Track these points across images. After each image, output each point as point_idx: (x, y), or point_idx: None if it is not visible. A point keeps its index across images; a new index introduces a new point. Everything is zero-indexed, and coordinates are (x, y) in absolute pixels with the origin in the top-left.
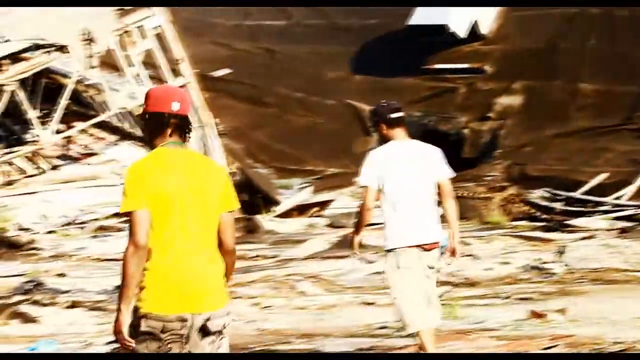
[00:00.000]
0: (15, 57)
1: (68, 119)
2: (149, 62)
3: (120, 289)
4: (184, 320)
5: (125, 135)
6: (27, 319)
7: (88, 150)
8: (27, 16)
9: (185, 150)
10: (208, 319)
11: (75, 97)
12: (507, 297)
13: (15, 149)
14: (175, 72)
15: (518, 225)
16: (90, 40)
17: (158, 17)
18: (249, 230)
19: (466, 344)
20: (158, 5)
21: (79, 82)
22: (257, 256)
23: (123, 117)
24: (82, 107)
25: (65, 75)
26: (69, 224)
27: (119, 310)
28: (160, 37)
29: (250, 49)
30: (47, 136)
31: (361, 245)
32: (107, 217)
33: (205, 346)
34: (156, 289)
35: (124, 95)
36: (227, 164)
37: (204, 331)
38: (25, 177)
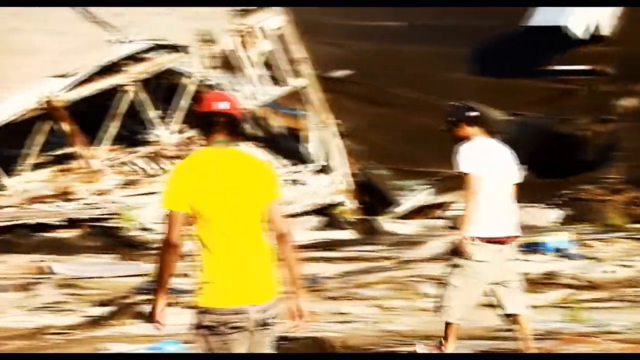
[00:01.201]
0: (136, 58)
1: (188, 119)
2: (268, 63)
3: (157, 277)
4: (241, 313)
5: (245, 136)
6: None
7: None
8: (147, 17)
9: (229, 148)
10: (264, 310)
11: (196, 97)
12: (630, 300)
13: (137, 149)
14: (295, 73)
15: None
16: (210, 41)
17: (279, 18)
18: (369, 231)
19: (590, 347)
20: (276, 5)
21: (199, 82)
22: (377, 257)
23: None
24: None
25: (185, 76)
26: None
27: (155, 296)
28: (280, 38)
29: (369, 50)
30: (168, 136)
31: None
32: None
33: (262, 337)
34: (211, 285)
35: (244, 96)
36: (348, 164)
37: (262, 322)
38: (147, 177)
